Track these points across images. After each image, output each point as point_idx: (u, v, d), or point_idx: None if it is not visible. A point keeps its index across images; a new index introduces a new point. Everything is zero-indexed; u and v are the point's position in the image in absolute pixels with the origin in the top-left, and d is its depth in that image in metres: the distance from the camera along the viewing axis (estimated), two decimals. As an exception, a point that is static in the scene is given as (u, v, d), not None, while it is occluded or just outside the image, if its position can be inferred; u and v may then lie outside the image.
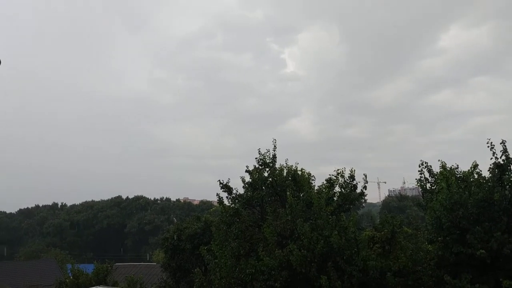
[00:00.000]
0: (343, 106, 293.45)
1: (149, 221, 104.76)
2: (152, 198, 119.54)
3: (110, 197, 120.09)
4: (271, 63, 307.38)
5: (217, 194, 17.34)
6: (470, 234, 12.05)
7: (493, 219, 12.31)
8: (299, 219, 13.83)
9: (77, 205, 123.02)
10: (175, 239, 26.01)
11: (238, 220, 15.94)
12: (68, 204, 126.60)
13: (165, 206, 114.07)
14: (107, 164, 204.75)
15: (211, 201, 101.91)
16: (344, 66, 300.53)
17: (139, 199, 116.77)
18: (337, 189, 16.98)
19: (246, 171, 17.39)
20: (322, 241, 13.17)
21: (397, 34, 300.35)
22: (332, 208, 15.22)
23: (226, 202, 17.34)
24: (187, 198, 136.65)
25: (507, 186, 12.75)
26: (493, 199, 12.30)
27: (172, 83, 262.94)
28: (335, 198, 16.60)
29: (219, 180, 17.24)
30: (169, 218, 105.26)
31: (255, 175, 17.02)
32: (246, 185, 17.24)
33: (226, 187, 17.23)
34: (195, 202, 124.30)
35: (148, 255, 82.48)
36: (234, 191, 17.25)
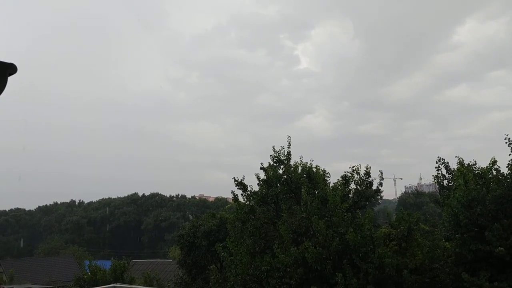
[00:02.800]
0: (358, 102, 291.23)
1: (165, 218, 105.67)
2: (168, 195, 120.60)
3: (126, 194, 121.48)
4: (285, 59, 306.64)
5: (232, 192, 17.41)
6: (488, 231, 11.88)
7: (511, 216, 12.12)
8: (314, 216, 13.79)
9: (94, 202, 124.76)
10: (190, 236, 26.20)
11: (253, 217, 15.97)
12: (86, 201, 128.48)
13: (180, 203, 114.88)
14: (123, 162, 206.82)
15: (226, 198, 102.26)
16: (358, 62, 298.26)
17: (155, 196, 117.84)
18: (352, 186, 16.89)
19: (261, 168, 17.39)
20: (337, 238, 13.11)
21: (411, 28, 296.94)
22: (347, 205, 15.11)
23: (241, 199, 17.39)
24: (202, 195, 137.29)
25: (527, 183, 12.54)
26: (512, 196, 12.10)
27: (187, 81, 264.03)
28: (350, 195, 16.52)
29: (234, 178, 17.29)
30: (184, 215, 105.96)
31: (270, 172, 17.00)
32: (261, 182, 17.25)
33: (241, 184, 17.26)
34: (210, 199, 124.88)
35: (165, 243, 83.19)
36: (249, 188, 17.27)
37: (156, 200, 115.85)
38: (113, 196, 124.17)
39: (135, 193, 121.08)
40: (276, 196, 16.54)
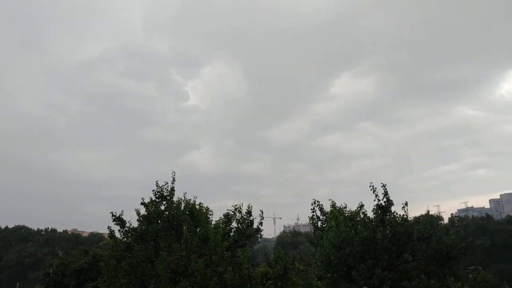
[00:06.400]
0: (243, 142, 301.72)
1: (30, 253, 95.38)
2: (36, 229, 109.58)
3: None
4: (174, 94, 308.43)
5: (109, 227, 16.49)
6: (355, 271, 12.76)
7: (375, 257, 13.20)
8: (194, 255, 13.60)
9: None
10: (58, 274, 24.02)
11: (129, 255, 15.22)
12: None
13: (50, 238, 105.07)
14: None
15: (103, 234, 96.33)
16: (245, 103, 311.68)
17: (20, 229, 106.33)
18: (234, 224, 17.04)
19: (142, 203, 16.83)
20: (216, 277, 13.05)
21: (296, 77, 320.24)
22: (228, 244, 15.20)
23: (118, 235, 16.52)
24: (76, 229, 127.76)
25: (388, 226, 13.83)
26: (376, 238, 13.23)
27: (69, 107, 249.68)
28: (231, 234, 16.63)
29: (112, 212, 16.44)
30: (54, 251, 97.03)
31: (151, 208, 16.51)
32: (141, 218, 16.64)
33: (118, 220, 16.44)
34: (84, 234, 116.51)
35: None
36: (128, 224, 16.52)
37: (21, 234, 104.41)
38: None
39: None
40: (156, 233, 16.02)
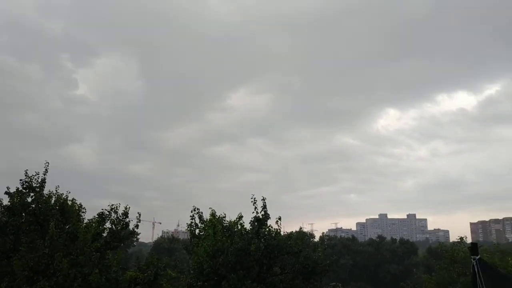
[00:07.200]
0: (131, 141, 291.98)
1: None
2: None
3: None
4: (61, 80, 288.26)
5: (-38, 216, 14.71)
6: (225, 281, 12.94)
7: (247, 268, 13.54)
8: (58, 254, 12.68)
9: None
10: None
11: (-18, 248, 13.70)
12: None
13: None
14: None
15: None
16: (138, 102, 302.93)
17: None
18: (108, 225, 16.30)
19: (6, 192, 15.36)
20: (80, 279, 12.29)
21: (194, 83, 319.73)
22: (99, 245, 14.46)
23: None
24: None
25: (262, 239, 14.30)
26: (250, 250, 13.59)
27: None
28: (104, 234, 15.88)
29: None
30: None
31: (16, 199, 15.11)
32: (2, 209, 15.16)
33: (-25, 209, 14.77)
34: None
35: None
36: (-14, 215, 14.90)
37: None
38: None
39: None
40: (18, 226, 14.68)
